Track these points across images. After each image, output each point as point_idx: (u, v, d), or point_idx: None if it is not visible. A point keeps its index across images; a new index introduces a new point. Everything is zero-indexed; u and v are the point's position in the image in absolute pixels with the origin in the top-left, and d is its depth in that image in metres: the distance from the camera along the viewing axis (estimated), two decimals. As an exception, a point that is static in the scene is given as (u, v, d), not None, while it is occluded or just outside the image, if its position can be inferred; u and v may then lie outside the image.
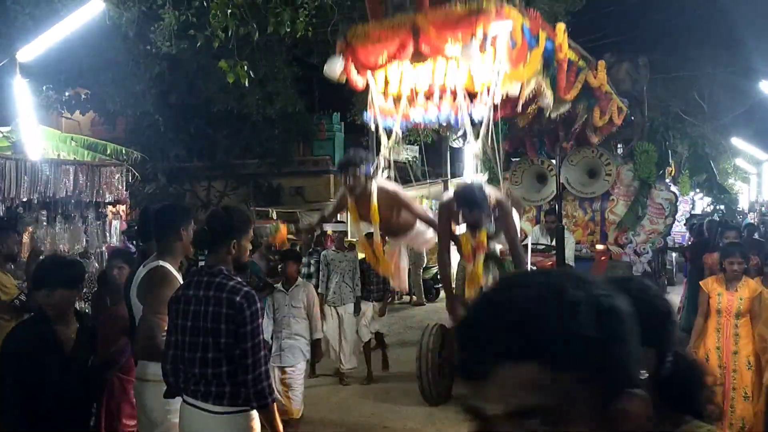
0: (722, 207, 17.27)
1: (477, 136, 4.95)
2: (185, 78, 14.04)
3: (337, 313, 7.79)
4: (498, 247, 5.42)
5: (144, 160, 14.67)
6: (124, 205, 8.28)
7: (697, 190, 18.80)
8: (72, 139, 9.19)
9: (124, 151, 9.88)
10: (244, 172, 21.79)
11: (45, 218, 6.48)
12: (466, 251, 5.18)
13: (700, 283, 5.54)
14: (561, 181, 7.94)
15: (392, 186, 5.33)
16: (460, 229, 5.11)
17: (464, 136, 5.37)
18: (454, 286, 6.01)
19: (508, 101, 5.30)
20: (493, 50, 4.65)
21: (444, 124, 5.49)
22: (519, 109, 5.57)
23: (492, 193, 5.08)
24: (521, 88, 5.13)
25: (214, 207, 4.01)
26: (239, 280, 3.14)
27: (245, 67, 7.68)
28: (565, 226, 8.09)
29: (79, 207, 6.91)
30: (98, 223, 7.17)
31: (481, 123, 4.93)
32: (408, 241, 5.86)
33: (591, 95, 6.74)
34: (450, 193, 5.35)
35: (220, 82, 12.33)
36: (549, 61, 5.49)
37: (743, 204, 27.23)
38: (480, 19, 4.51)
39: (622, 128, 8.33)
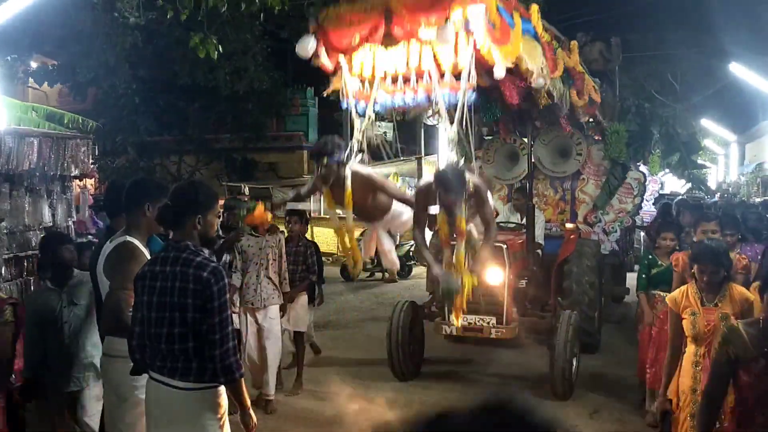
0: (702, 188, 17.54)
1: (452, 121, 4.91)
2: (155, 50, 13.78)
3: (255, 320, 6.08)
4: (473, 230, 5.39)
5: (113, 132, 14.41)
6: (92, 179, 8.14)
7: (666, 170, 19.04)
8: (33, 109, 8.99)
9: (81, 120, 9.67)
10: (217, 146, 21.55)
11: (8, 191, 6.33)
12: (443, 234, 5.13)
13: (667, 298, 4.30)
14: (533, 161, 7.99)
15: (366, 169, 5.27)
16: (436, 210, 5.05)
17: (438, 115, 5.31)
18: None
19: (512, 85, 5.28)
20: (466, 34, 4.59)
21: (419, 107, 5.44)
22: (518, 97, 5.48)
23: (471, 178, 5.02)
24: (522, 69, 5.12)
25: (178, 182, 3.90)
26: (206, 255, 3.12)
27: (215, 41, 7.55)
28: (536, 205, 8.17)
29: (44, 180, 6.78)
30: (64, 197, 7.05)
31: (455, 105, 4.89)
32: (385, 225, 5.77)
33: (567, 76, 6.76)
34: (428, 177, 5.27)
35: (190, 55, 12.13)
36: (536, 40, 5.49)
37: (711, 184, 27.70)
38: (453, 1, 4.45)
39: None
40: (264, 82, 14.22)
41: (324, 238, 15.64)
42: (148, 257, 3.44)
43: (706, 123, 25.81)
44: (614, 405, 6.26)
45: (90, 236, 7.33)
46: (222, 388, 3.12)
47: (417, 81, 5.04)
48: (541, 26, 5.80)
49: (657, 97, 20.31)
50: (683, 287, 4.12)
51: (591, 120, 8.48)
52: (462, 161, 5.25)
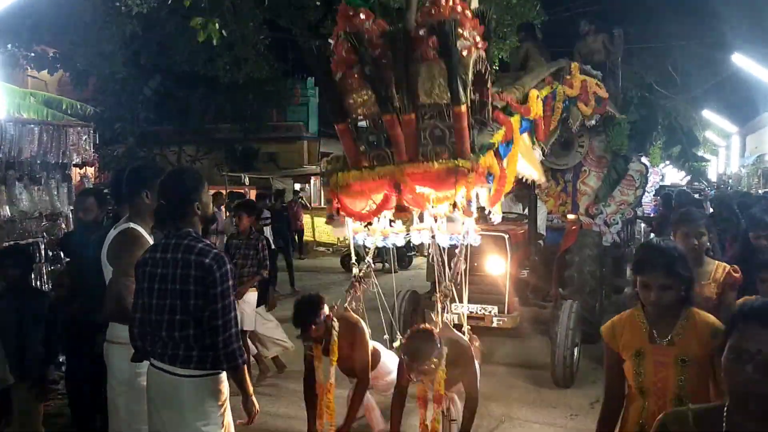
0: (704, 181, 17.53)
1: None
2: (156, 39, 13.73)
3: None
4: (456, 400, 4.79)
5: (112, 121, 14.37)
6: (93, 167, 8.12)
7: (667, 162, 19.03)
8: (31, 95, 8.95)
9: (79, 106, 9.63)
10: (217, 136, 21.53)
11: (10, 179, 6.33)
12: (420, 393, 4.51)
13: (602, 329, 2.96)
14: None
15: (354, 318, 4.93)
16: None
17: None
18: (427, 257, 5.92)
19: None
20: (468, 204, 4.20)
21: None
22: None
23: (453, 341, 4.49)
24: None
25: (161, 177, 3.61)
26: (207, 242, 3.10)
27: (217, 24, 7.49)
28: (537, 196, 8.16)
29: (45, 168, 6.76)
30: (65, 184, 7.04)
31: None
32: (371, 382, 5.15)
33: (571, 100, 6.73)
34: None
35: (190, 44, 12.08)
36: (531, 134, 5.40)
37: (712, 176, 27.67)
38: (459, 180, 4.05)
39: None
40: (264, 72, 14.16)
41: (324, 228, 15.66)
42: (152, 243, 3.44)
43: (708, 114, 25.75)
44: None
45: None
46: (223, 375, 3.11)
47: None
48: (539, 106, 5.54)
49: (658, 89, 20.26)
50: (625, 312, 2.92)
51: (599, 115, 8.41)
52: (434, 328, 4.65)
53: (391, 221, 4.93)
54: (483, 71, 4.24)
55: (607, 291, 8.84)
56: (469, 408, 4.51)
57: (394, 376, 4.78)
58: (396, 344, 5.31)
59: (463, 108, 3.94)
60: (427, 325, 4.42)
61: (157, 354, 3.06)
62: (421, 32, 4.00)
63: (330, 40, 4.46)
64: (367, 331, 4.88)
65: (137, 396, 3.37)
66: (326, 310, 4.66)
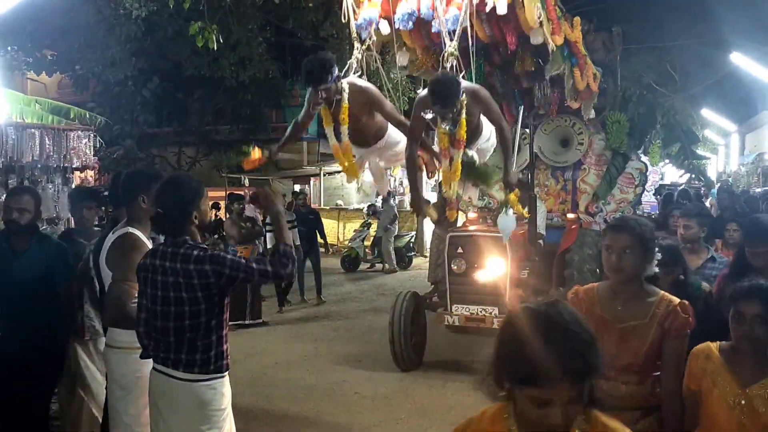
0: (702, 179, 17.50)
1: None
2: (156, 41, 13.75)
3: None
4: (476, 156, 5.02)
5: (111, 124, 14.40)
6: (92, 171, 8.13)
7: (666, 161, 19.03)
8: (36, 102, 8.94)
9: (88, 116, 9.63)
10: (216, 138, 21.53)
11: (12, 183, 6.34)
12: (442, 145, 4.76)
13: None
14: (534, 150, 7.98)
15: (364, 83, 4.97)
16: (430, 116, 4.68)
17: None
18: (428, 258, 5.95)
19: (507, 28, 5.08)
20: None
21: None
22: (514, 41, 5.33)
23: (469, 85, 4.76)
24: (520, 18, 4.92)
25: (159, 185, 3.45)
26: (203, 246, 3.08)
27: (214, 30, 7.51)
28: (537, 195, 8.16)
29: (46, 172, 6.78)
30: (66, 188, 7.05)
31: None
32: (379, 153, 5.39)
33: (571, 53, 6.68)
34: (425, 91, 4.86)
35: (193, 45, 12.10)
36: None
37: (711, 175, 27.65)
38: None
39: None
40: (268, 72, 14.19)
41: (324, 227, 15.66)
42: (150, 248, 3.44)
43: (707, 113, 25.73)
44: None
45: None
46: (226, 379, 3.12)
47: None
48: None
49: (656, 88, 20.24)
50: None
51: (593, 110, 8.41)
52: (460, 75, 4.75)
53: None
54: None
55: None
56: (504, 143, 4.80)
57: (401, 145, 4.94)
58: None
59: None
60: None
61: (160, 358, 3.07)
62: None
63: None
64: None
65: (138, 400, 3.38)
66: (337, 70, 4.64)
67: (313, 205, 21.36)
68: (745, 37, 16.45)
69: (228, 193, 15.41)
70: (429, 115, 4.60)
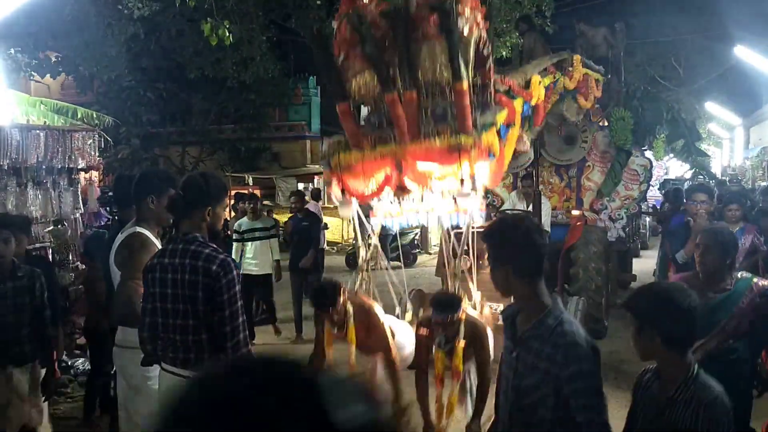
0: (704, 173, 17.45)
1: None
2: (159, 41, 13.78)
3: None
4: (471, 371, 4.77)
5: (116, 124, 14.42)
6: (97, 171, 8.15)
7: (671, 156, 18.99)
8: (41, 103, 8.96)
9: (95, 116, 9.64)
10: (220, 137, 21.57)
11: (15, 185, 6.36)
12: (437, 371, 4.49)
13: None
14: (538, 148, 7.98)
15: (367, 302, 4.90)
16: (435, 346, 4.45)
17: None
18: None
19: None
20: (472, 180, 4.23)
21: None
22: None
23: (469, 316, 4.55)
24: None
25: (189, 173, 3.51)
26: (214, 247, 3.11)
27: (227, 26, 7.50)
28: (541, 192, 8.15)
29: (50, 173, 6.80)
30: (71, 189, 7.07)
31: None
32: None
33: (569, 92, 6.73)
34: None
35: (195, 46, 12.11)
36: (528, 118, 5.35)
37: (716, 169, 27.58)
38: (462, 155, 4.05)
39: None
40: (271, 71, 14.20)
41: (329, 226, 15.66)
42: (159, 248, 3.46)
43: (711, 107, 25.65)
44: (621, 391, 6.27)
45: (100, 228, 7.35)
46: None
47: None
48: (542, 92, 5.59)
49: (660, 82, 20.22)
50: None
51: (597, 105, 8.40)
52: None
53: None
54: (484, 52, 4.24)
55: (613, 287, 8.85)
56: (482, 390, 4.44)
57: (406, 351, 4.84)
58: (408, 317, 5.39)
59: (465, 85, 3.95)
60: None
61: (169, 358, 3.08)
62: (422, 11, 4.00)
63: (333, 24, 4.47)
64: (380, 311, 4.82)
65: (147, 399, 3.40)
66: (342, 295, 4.60)
67: (318, 203, 21.38)
68: (749, 31, 16.39)
69: (234, 192, 15.43)
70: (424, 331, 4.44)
